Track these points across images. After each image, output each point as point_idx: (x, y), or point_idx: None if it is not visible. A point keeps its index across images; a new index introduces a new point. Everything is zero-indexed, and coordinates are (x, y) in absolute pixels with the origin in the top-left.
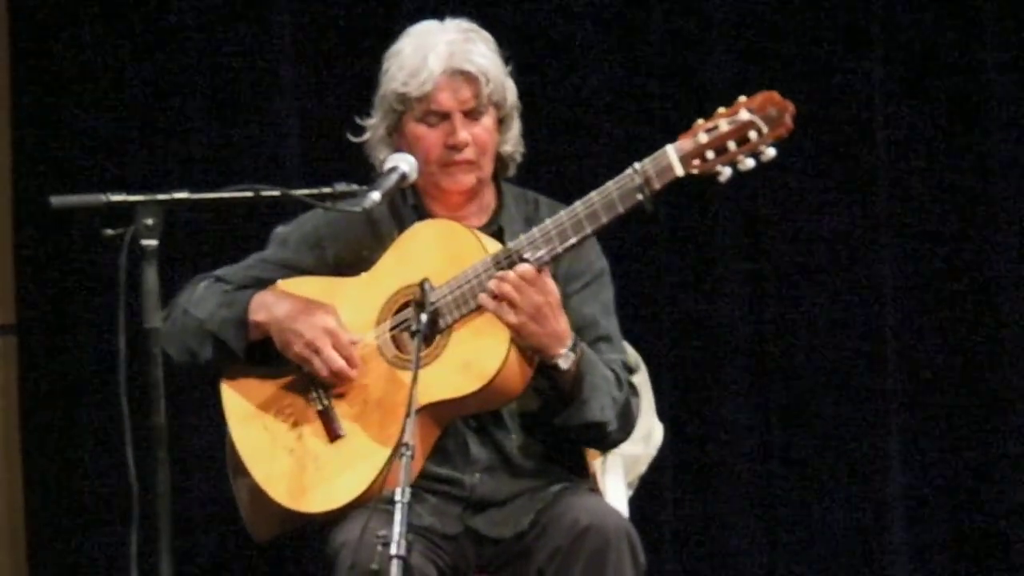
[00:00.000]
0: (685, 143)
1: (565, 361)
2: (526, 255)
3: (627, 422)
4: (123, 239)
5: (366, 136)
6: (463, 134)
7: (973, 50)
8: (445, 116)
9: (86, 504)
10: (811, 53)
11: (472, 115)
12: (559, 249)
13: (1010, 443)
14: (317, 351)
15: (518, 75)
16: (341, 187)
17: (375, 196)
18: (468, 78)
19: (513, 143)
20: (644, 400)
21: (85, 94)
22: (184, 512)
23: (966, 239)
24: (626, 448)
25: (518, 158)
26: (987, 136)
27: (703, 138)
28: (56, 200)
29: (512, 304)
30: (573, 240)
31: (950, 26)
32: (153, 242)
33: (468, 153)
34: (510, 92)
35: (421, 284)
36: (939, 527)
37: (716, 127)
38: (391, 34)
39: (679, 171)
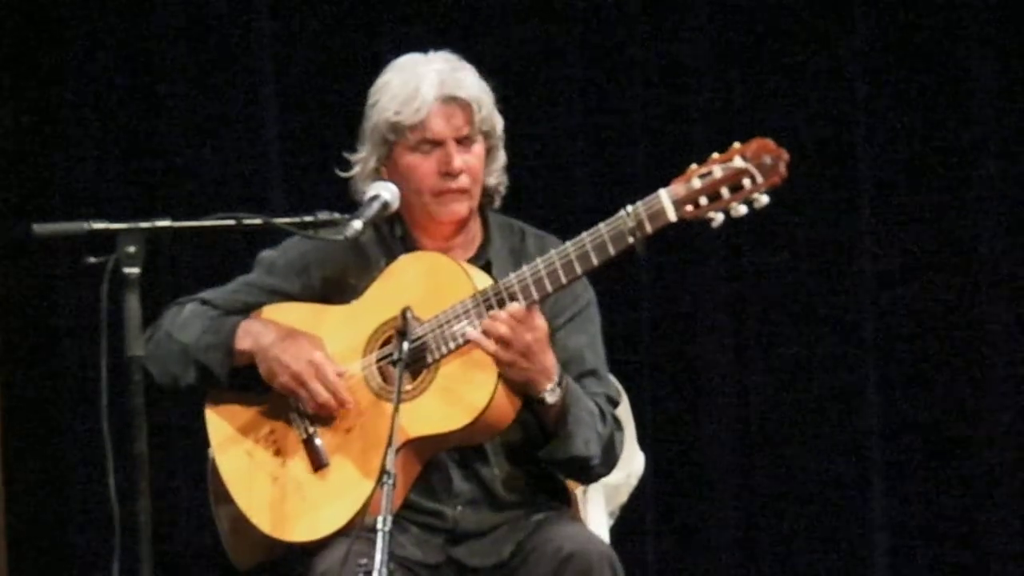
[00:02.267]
0: (678, 188)
1: (551, 396)
2: (516, 294)
3: (610, 456)
4: (105, 267)
5: (355, 171)
6: (459, 161)
7: (961, 91)
8: (438, 144)
9: (68, 533)
10: (792, 88)
11: (464, 142)
12: (549, 289)
13: (991, 479)
14: (303, 384)
15: (500, 108)
16: (323, 215)
17: (357, 225)
18: (461, 105)
19: (497, 175)
20: (626, 430)
21: (68, 122)
22: (166, 540)
23: (948, 284)
24: (608, 477)
25: (502, 190)
26: (972, 190)
27: (696, 183)
28: (38, 228)
29: (504, 342)
30: (563, 281)
31: (936, 55)
32: (135, 270)
33: (463, 181)
34: (498, 122)
35: (403, 312)
36: (921, 558)
37: (710, 173)
38: (374, 64)
39: (672, 216)
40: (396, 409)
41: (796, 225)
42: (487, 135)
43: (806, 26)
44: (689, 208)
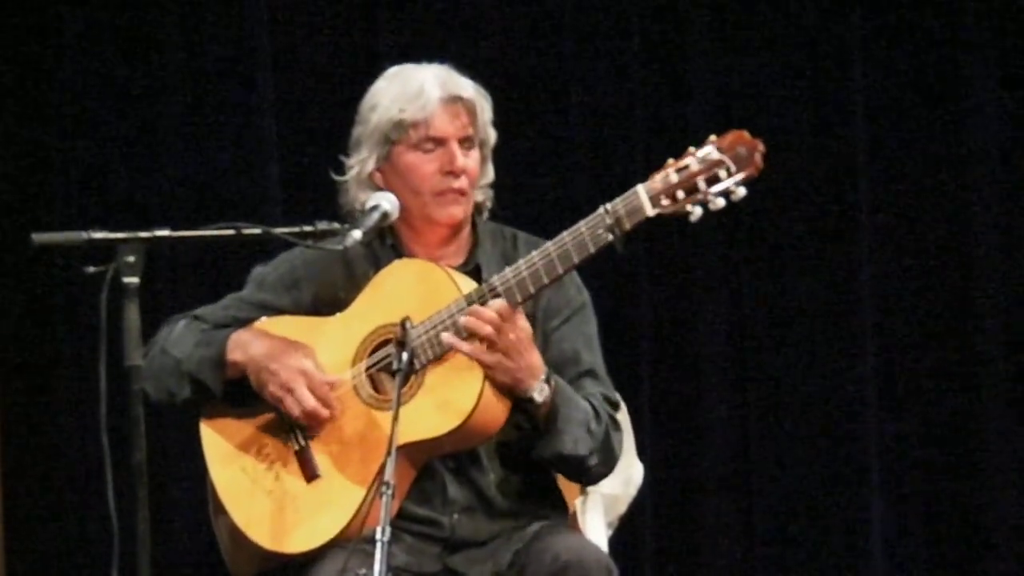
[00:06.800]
0: (655, 182)
1: (539, 394)
2: (500, 297)
3: (608, 456)
4: (104, 276)
5: (352, 173)
6: (461, 160)
7: (959, 104)
8: (440, 143)
9: (66, 543)
10: (793, 96)
11: (466, 144)
12: (532, 289)
13: (990, 485)
14: (291, 391)
15: (498, 113)
16: (323, 225)
17: (357, 234)
18: (465, 105)
19: (484, 191)
20: (625, 439)
21: (66, 129)
22: (164, 551)
23: (946, 286)
24: (606, 488)
25: (488, 205)
26: (970, 204)
27: (673, 177)
28: (37, 237)
29: (486, 341)
30: (545, 280)
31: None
32: (134, 279)
33: (463, 182)
34: (491, 135)
35: (402, 323)
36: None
37: (686, 166)
38: (373, 74)
39: (649, 211)
40: (395, 420)
41: (796, 228)
42: (482, 144)
43: (808, 28)
44: (666, 202)
